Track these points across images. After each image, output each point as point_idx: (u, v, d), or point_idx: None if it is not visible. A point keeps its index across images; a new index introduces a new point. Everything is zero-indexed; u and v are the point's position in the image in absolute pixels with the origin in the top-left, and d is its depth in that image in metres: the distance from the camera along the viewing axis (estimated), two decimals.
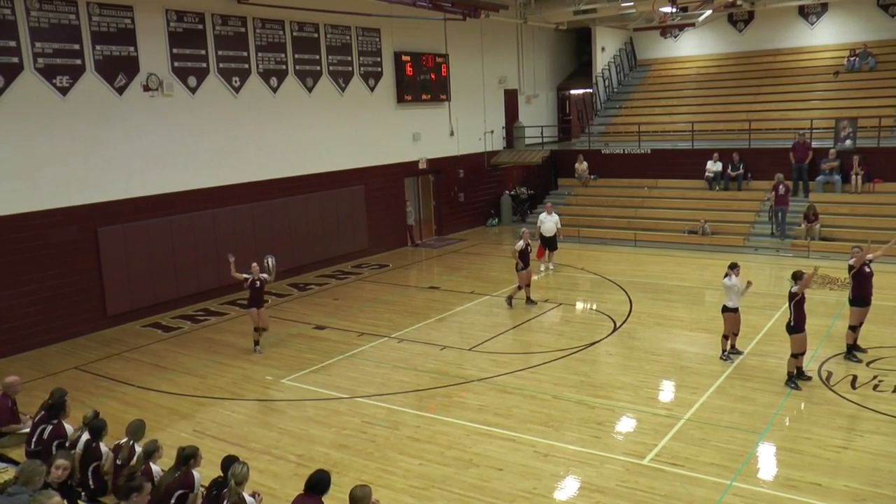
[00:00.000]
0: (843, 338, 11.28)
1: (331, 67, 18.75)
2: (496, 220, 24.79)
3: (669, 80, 27.69)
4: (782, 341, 10.69)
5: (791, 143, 20.15)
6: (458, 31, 22.03)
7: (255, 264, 12.49)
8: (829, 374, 10.47)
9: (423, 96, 21.48)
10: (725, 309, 11.11)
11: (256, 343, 12.63)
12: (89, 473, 7.60)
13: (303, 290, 17.00)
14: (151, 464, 7.10)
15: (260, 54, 16.92)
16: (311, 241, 18.31)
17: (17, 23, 12.70)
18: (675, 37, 28.15)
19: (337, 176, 19.12)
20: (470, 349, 12.38)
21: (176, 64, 15.25)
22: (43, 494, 5.74)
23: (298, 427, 9.56)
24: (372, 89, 20.06)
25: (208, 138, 16.00)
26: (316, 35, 18.28)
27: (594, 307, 14.90)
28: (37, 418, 8.54)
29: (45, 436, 8.20)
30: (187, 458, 6.85)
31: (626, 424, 9.33)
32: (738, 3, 22.62)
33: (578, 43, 29.11)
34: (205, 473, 7.11)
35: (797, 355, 10.08)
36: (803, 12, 25.70)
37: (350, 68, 19.31)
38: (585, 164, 23.45)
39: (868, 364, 10.74)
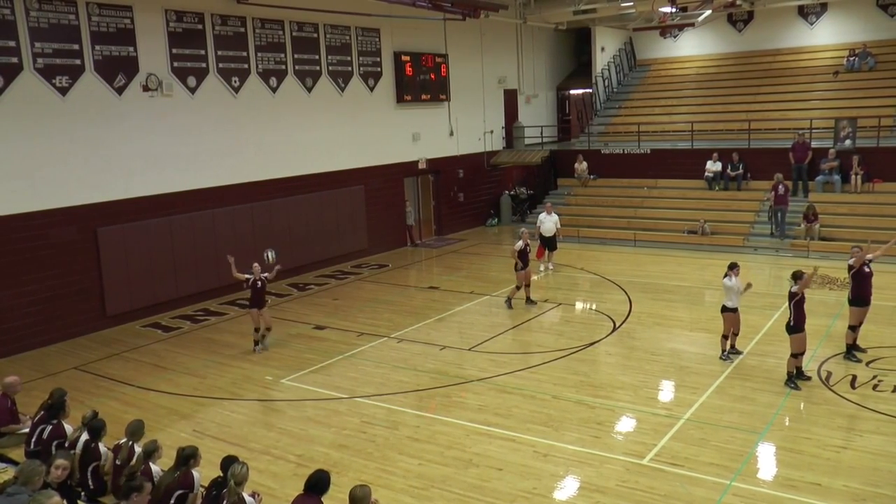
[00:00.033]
0: (842, 338, 11.28)
1: (330, 67, 18.75)
2: (496, 220, 24.79)
3: (669, 80, 27.70)
4: (782, 341, 10.69)
5: (790, 143, 20.15)
6: (458, 31, 22.03)
7: (256, 264, 12.48)
8: (829, 373, 10.47)
9: (423, 96, 21.48)
10: (725, 309, 11.11)
11: (256, 343, 12.62)
12: (88, 474, 7.61)
13: (302, 291, 17.00)
14: (151, 464, 7.10)
15: (259, 54, 16.92)
16: (310, 242, 18.31)
17: (16, 23, 12.70)
18: (675, 37, 28.17)
19: (336, 176, 19.12)
20: (469, 349, 12.38)
21: (175, 64, 15.25)
22: (42, 494, 5.74)
23: (298, 427, 9.56)
24: (371, 89, 20.06)
25: (208, 138, 16.00)
26: (315, 35, 18.28)
27: (594, 307, 14.91)
28: (36, 418, 8.54)
29: (45, 436, 8.20)
30: (187, 458, 6.85)
31: (625, 424, 9.33)
32: (738, 2, 22.63)
33: (578, 43, 29.12)
34: (204, 473, 7.11)
35: (797, 355, 10.08)
36: (803, 12, 25.71)
37: (350, 68, 19.31)
38: (585, 164, 23.45)
39: (867, 364, 10.74)
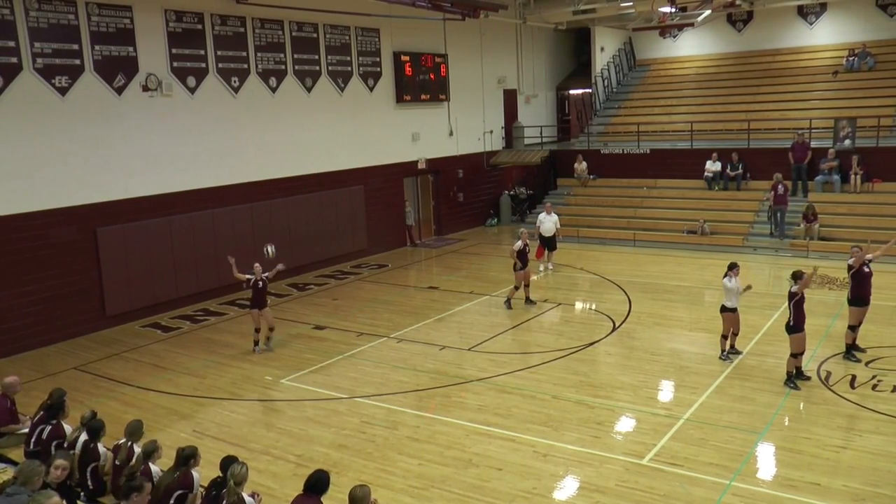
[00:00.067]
0: (842, 337, 11.29)
1: (330, 67, 18.75)
2: (495, 220, 24.79)
3: (668, 80, 27.71)
4: (781, 341, 10.70)
5: (790, 143, 20.15)
6: (458, 31, 22.04)
7: (257, 264, 12.47)
8: (829, 373, 10.47)
9: (423, 96, 21.48)
10: (724, 309, 11.11)
11: (256, 343, 12.61)
12: (88, 474, 7.60)
13: (302, 291, 17.00)
14: (151, 464, 7.09)
15: (259, 54, 16.92)
16: (310, 242, 18.31)
17: (15, 23, 12.70)
18: (675, 37, 28.18)
19: (336, 176, 19.12)
20: (469, 349, 12.38)
21: (175, 64, 15.25)
22: (42, 494, 5.74)
23: (298, 427, 9.56)
24: (371, 89, 20.06)
25: (207, 138, 16.00)
26: (315, 35, 18.28)
27: (593, 307, 14.91)
28: (36, 419, 8.54)
29: (44, 436, 8.19)
30: (187, 458, 6.85)
31: (625, 424, 9.33)
32: (737, 2, 22.63)
33: (577, 43, 29.12)
34: (204, 474, 7.11)
35: (796, 355, 10.08)
36: (802, 12, 25.72)
37: (349, 68, 19.31)
38: (584, 164, 23.45)
39: (867, 364, 10.75)
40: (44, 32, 13.07)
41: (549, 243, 17.89)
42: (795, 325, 9.95)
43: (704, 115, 24.28)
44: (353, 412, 9.96)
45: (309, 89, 18.24)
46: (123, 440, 7.63)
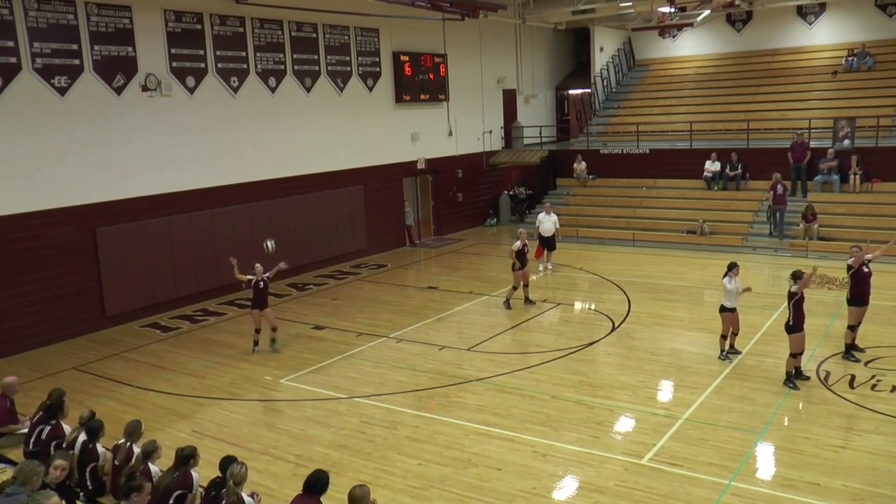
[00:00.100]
0: (841, 337, 11.29)
1: (329, 67, 18.74)
2: (494, 220, 24.79)
3: (668, 80, 27.71)
4: (781, 341, 10.70)
5: (789, 143, 20.16)
6: (457, 31, 22.04)
7: (258, 265, 12.46)
8: (828, 373, 10.48)
9: (422, 96, 21.48)
10: (723, 309, 11.11)
11: (256, 343, 12.60)
12: (87, 474, 7.59)
13: (301, 291, 17.00)
14: (150, 464, 7.09)
15: (258, 54, 16.92)
16: (309, 242, 18.30)
17: (15, 23, 12.69)
18: (674, 37, 28.18)
19: (335, 176, 19.12)
20: (468, 349, 12.38)
21: (174, 64, 15.24)
22: (41, 494, 5.73)
23: (297, 427, 9.56)
24: (370, 89, 20.06)
25: (207, 138, 15.99)
26: (314, 35, 18.28)
27: (593, 307, 14.91)
28: (35, 419, 8.53)
29: (44, 436, 8.18)
30: (186, 458, 6.84)
31: (624, 424, 9.34)
32: (737, 2, 22.62)
33: (577, 43, 29.13)
34: (203, 474, 7.10)
35: (796, 355, 10.09)
36: (801, 12, 25.72)
37: (348, 68, 19.31)
38: (584, 164, 23.45)
39: (866, 364, 10.75)
40: (43, 32, 13.07)
41: (548, 243, 17.89)
42: (795, 325, 9.95)
43: (704, 115, 24.28)
44: (352, 412, 9.96)
45: (308, 89, 18.24)
46: (123, 440, 7.62)
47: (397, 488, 7.85)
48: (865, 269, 10.95)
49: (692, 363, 11.20)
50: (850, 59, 23.82)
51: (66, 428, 8.21)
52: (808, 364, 10.62)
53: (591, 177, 23.43)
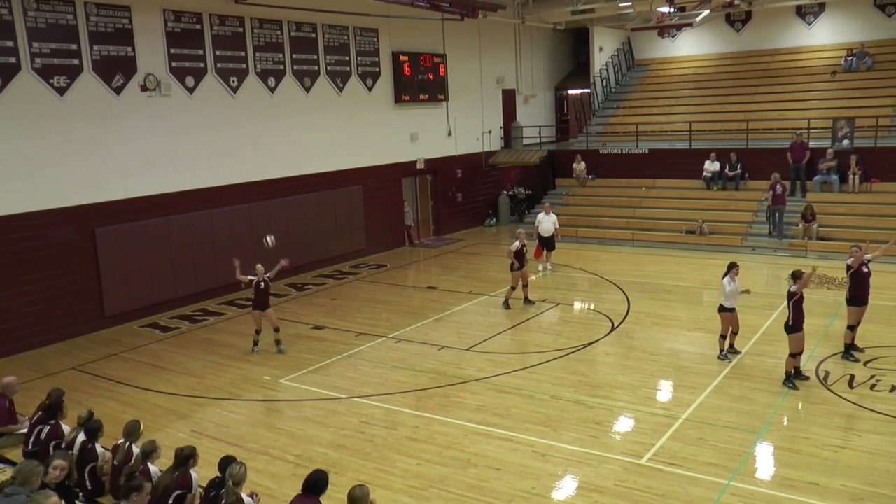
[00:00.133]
0: (840, 337, 11.30)
1: (328, 67, 18.74)
2: (494, 220, 24.79)
3: (667, 80, 27.72)
4: (780, 341, 10.71)
5: (788, 143, 20.17)
6: (456, 31, 22.03)
7: (259, 265, 12.45)
8: (827, 373, 10.48)
9: (421, 96, 21.48)
10: (722, 309, 11.12)
11: (255, 344, 12.59)
12: (86, 474, 7.59)
13: (301, 291, 17.00)
14: (149, 464, 7.09)
15: (258, 54, 16.91)
16: (308, 242, 18.30)
17: (14, 23, 12.68)
18: (673, 37, 28.19)
19: (335, 176, 19.12)
20: (468, 349, 12.38)
21: (173, 64, 15.24)
22: (41, 494, 5.73)
23: (296, 427, 9.56)
24: (370, 89, 20.06)
25: (206, 138, 15.99)
26: (314, 35, 18.27)
27: (592, 307, 14.91)
28: (34, 419, 8.53)
29: (43, 436, 8.18)
30: (185, 458, 6.84)
31: (624, 424, 9.34)
32: (736, 2, 22.63)
33: (576, 43, 29.13)
34: (202, 474, 7.10)
35: (795, 355, 10.09)
36: (801, 12, 25.74)
37: (348, 68, 19.30)
38: (583, 164, 23.46)
39: (865, 364, 10.76)
40: (42, 32, 13.06)
41: (547, 243, 17.89)
42: (794, 325, 9.96)
43: (703, 115, 24.29)
44: (351, 412, 9.96)
45: (308, 89, 18.24)
46: (122, 440, 7.62)
47: (397, 488, 7.85)
48: (865, 269, 10.96)
49: (691, 363, 11.21)
50: (849, 59, 23.84)
51: (66, 428, 8.21)
52: (807, 364, 10.62)
53: (590, 177, 23.44)
